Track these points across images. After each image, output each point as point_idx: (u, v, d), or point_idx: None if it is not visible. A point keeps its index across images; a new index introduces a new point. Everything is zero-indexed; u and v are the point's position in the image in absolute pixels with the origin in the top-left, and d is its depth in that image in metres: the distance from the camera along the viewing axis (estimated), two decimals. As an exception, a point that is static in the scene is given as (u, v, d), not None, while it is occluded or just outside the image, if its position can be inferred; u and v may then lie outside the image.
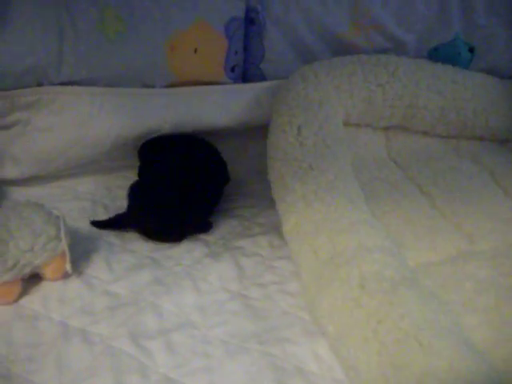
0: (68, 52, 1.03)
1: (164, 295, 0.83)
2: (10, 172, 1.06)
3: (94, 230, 0.98)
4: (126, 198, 0.97)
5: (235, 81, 1.17)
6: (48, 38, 1.01)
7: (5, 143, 1.06)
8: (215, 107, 1.14)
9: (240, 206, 1.08)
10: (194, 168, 1.01)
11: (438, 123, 1.19)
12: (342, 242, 0.79)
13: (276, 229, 0.97)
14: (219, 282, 0.87)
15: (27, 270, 0.81)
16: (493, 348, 0.69)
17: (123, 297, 0.83)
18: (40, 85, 1.04)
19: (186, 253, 0.93)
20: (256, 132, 1.14)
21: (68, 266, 0.83)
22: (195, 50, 1.11)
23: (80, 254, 0.89)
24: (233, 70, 1.16)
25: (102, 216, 1.01)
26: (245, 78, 1.19)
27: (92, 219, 0.99)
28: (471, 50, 1.27)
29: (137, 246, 0.95)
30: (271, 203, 0.98)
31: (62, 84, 1.04)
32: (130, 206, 0.97)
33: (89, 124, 1.06)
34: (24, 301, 0.81)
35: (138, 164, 1.07)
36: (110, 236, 0.96)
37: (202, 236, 0.99)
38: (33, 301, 0.81)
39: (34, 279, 0.83)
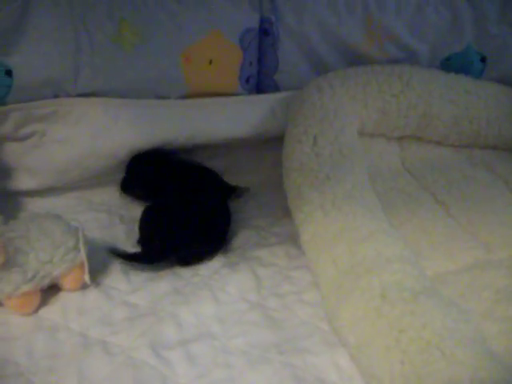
0: (84, 64, 1.04)
1: (183, 306, 0.83)
2: (26, 183, 1.07)
3: (111, 240, 0.98)
4: (147, 228, 0.95)
5: (250, 92, 1.18)
6: (64, 50, 1.02)
7: (21, 154, 1.06)
8: (230, 118, 1.14)
9: (256, 216, 1.08)
10: (201, 185, 1.03)
11: (451, 132, 1.19)
12: (360, 252, 0.80)
13: (292, 239, 0.97)
14: (238, 292, 0.87)
15: (46, 281, 0.82)
16: (513, 357, 0.69)
17: (142, 307, 0.83)
18: (56, 97, 1.05)
19: (204, 263, 0.94)
20: (271, 142, 1.14)
21: (86, 277, 0.84)
22: (210, 62, 1.12)
23: (98, 264, 0.90)
24: (247, 80, 1.16)
25: (118, 226, 1.02)
26: (259, 88, 1.20)
27: (117, 251, 0.94)
28: (483, 59, 1.27)
29: (154, 257, 0.95)
30: (287, 213, 0.98)
31: (78, 96, 1.05)
32: (161, 237, 0.93)
33: (104, 135, 1.06)
34: (43, 311, 0.81)
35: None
36: (127, 247, 0.96)
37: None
38: (52, 311, 0.81)
39: (52, 290, 0.84)
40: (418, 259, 0.83)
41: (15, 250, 0.79)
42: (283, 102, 1.16)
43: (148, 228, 0.96)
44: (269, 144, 1.16)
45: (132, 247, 0.96)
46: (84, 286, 0.85)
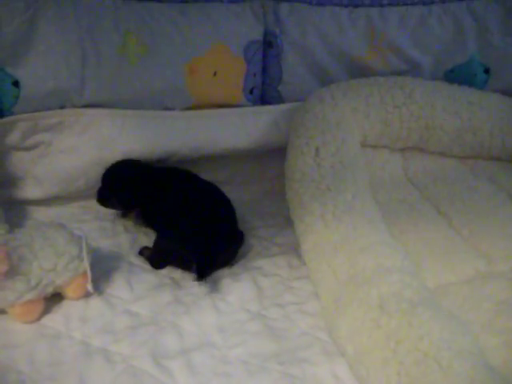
0: (90, 75, 1.06)
1: (184, 315, 0.84)
2: (33, 192, 1.09)
3: (115, 249, 0.99)
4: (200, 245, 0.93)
5: (253, 103, 1.19)
6: (71, 61, 1.04)
7: (28, 164, 1.08)
8: (234, 130, 1.15)
9: (258, 227, 1.09)
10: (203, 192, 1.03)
11: (454, 144, 1.19)
12: (360, 262, 0.80)
13: (294, 249, 0.98)
14: (238, 302, 0.87)
15: (49, 290, 0.83)
16: (512, 369, 0.69)
17: (144, 316, 0.84)
18: (63, 107, 1.07)
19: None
20: (273, 153, 1.16)
21: (89, 286, 0.85)
22: (214, 73, 1.13)
23: (101, 273, 0.91)
24: (251, 92, 1.18)
25: (122, 235, 1.03)
26: (263, 99, 1.21)
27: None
28: (487, 70, 1.27)
29: (156, 266, 0.96)
30: (289, 223, 1.00)
31: (84, 106, 1.07)
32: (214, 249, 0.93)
33: (110, 145, 1.08)
34: (46, 319, 0.82)
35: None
36: (130, 256, 0.97)
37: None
38: (55, 319, 0.82)
39: (55, 298, 0.85)
40: (418, 270, 0.84)
41: (19, 258, 0.80)
42: (286, 113, 1.17)
43: (199, 244, 0.93)
44: (271, 154, 1.18)
45: (135, 256, 0.97)
46: (87, 295, 0.86)
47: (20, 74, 1.02)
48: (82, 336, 0.79)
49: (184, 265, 0.94)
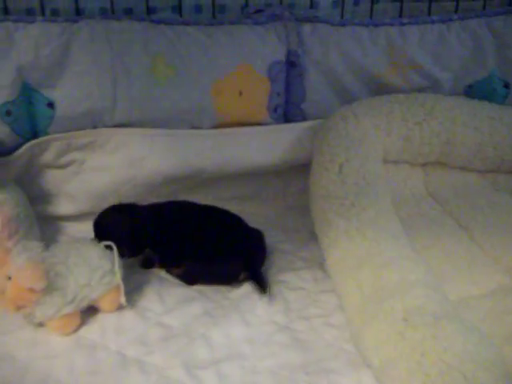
0: (121, 96, 1.10)
1: (214, 327, 0.87)
2: (66, 208, 1.13)
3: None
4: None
5: (277, 121, 1.22)
6: (103, 83, 1.09)
7: (61, 181, 1.13)
8: (259, 147, 1.18)
9: (282, 241, 1.11)
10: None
11: (475, 158, 1.21)
12: (384, 277, 0.82)
13: (318, 263, 1.01)
14: (266, 314, 0.90)
15: (85, 303, 0.87)
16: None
17: (175, 328, 0.87)
18: (95, 127, 1.11)
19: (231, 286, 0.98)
20: (296, 169, 1.19)
21: (122, 299, 0.88)
22: (240, 93, 1.17)
23: (133, 287, 0.94)
24: (275, 110, 1.21)
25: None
26: (286, 117, 1.24)
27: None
28: (506, 85, 1.29)
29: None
30: (312, 238, 1.02)
31: (116, 126, 1.12)
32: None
33: (140, 164, 1.12)
34: (83, 331, 0.86)
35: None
36: (160, 270, 1.01)
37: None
38: (91, 331, 0.86)
39: (91, 311, 0.89)
40: (440, 284, 0.85)
41: (55, 274, 0.84)
42: (310, 130, 1.20)
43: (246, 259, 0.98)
44: (294, 170, 1.21)
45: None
46: (121, 307, 0.89)
47: (55, 95, 1.08)
48: (118, 347, 0.83)
49: (217, 282, 0.98)
